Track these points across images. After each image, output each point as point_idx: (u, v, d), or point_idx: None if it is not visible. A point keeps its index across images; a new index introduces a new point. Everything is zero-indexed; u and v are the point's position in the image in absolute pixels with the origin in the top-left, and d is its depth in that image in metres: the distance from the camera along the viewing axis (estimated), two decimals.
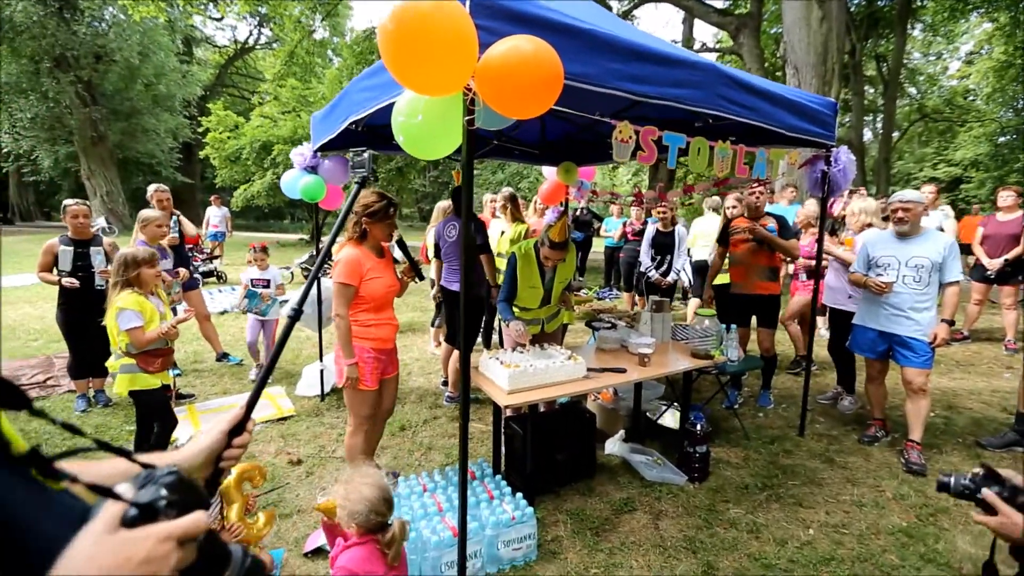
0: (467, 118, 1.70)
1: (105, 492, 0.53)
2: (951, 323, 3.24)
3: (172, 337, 2.86)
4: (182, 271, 4.53)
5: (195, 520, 0.55)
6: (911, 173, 26.53)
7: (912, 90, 24.80)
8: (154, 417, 2.98)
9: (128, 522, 0.52)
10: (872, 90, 21.61)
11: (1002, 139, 21.32)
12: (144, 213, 3.91)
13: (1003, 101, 20.87)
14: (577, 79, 1.94)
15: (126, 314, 2.69)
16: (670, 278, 5.49)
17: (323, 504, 1.91)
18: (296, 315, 1.21)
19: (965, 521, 2.67)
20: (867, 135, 24.61)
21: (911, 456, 3.26)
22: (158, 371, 2.87)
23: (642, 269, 5.73)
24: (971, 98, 24.36)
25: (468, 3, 1.65)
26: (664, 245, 5.52)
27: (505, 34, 1.67)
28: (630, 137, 2.27)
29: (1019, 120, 20.23)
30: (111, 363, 2.90)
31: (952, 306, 3.23)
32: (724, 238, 4.31)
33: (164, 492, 0.55)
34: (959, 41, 23.91)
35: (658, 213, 5.55)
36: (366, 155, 1.47)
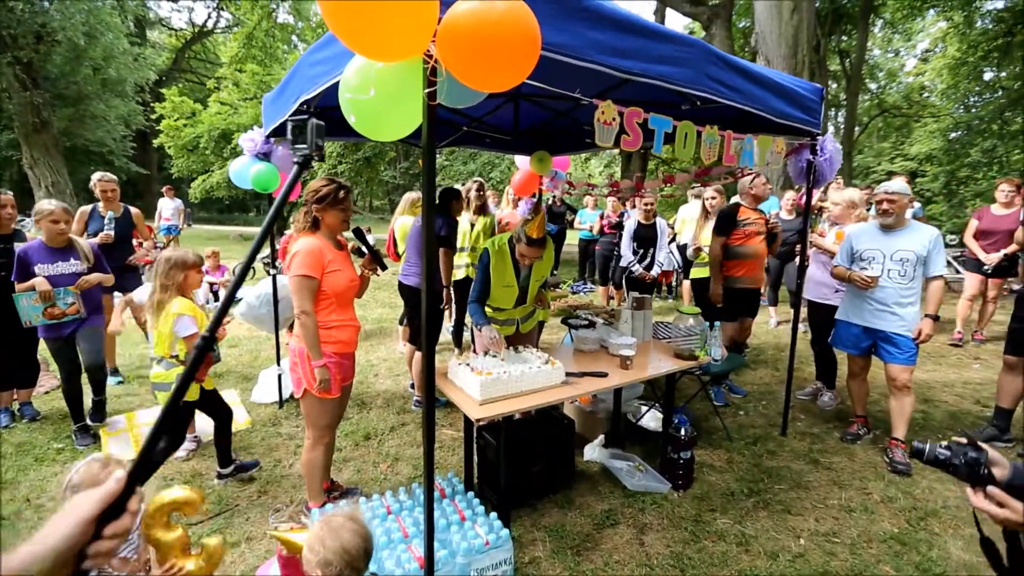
0: (428, 91, 1.44)
1: None
2: (936, 318, 3.16)
3: (220, 340, 2.83)
4: (96, 277, 3.44)
5: None
6: (870, 167, 27.28)
7: (872, 86, 25.48)
8: (173, 432, 2.76)
9: None
10: (835, 85, 22.05)
11: (954, 134, 22.06)
12: (39, 205, 3.35)
13: (956, 97, 21.58)
14: (554, 49, 1.70)
15: (184, 320, 2.65)
16: (653, 272, 5.35)
17: (285, 537, 1.64)
18: (205, 344, 0.93)
19: (956, 525, 2.59)
20: (829, 129, 25.23)
21: (895, 455, 3.17)
22: (201, 379, 2.81)
23: (623, 263, 5.54)
24: (926, 95, 25.18)
25: None
26: (646, 238, 5.36)
27: None
28: (613, 119, 2.05)
29: (971, 116, 20.93)
30: (163, 372, 2.74)
31: (937, 300, 3.16)
32: (727, 229, 3.97)
33: None
34: (916, 39, 24.69)
35: (644, 205, 5.39)
36: (309, 125, 1.15)
